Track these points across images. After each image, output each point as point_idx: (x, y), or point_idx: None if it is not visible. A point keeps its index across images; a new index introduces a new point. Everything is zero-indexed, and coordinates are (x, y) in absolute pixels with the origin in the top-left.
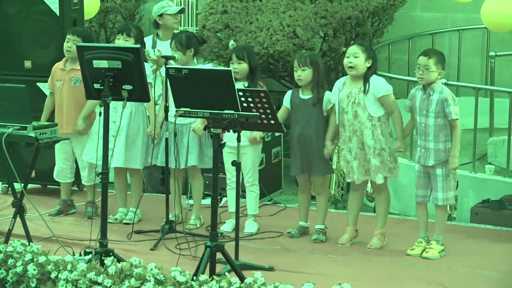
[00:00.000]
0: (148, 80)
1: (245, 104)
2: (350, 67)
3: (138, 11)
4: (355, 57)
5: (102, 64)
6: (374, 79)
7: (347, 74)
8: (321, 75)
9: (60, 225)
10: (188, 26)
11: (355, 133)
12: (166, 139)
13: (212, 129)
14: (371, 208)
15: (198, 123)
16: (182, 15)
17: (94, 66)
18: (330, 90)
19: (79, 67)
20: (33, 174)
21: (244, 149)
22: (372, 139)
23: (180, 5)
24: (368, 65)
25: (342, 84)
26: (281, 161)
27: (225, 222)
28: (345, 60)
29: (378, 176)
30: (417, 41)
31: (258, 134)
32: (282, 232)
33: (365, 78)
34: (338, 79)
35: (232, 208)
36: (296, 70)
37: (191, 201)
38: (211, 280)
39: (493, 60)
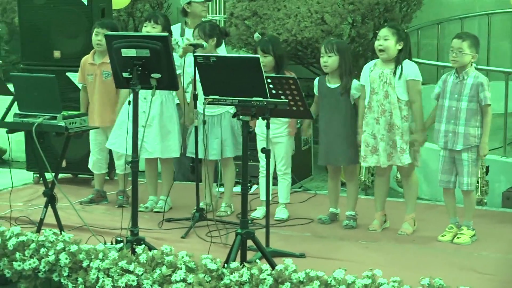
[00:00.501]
0: (177, 72)
1: (273, 91)
2: (381, 50)
3: (166, 0)
4: (385, 40)
5: (131, 52)
6: (406, 63)
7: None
8: (348, 63)
9: (91, 214)
10: (216, 14)
11: (384, 113)
12: (196, 127)
13: (241, 117)
14: (401, 193)
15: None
16: (210, 3)
17: (123, 55)
18: (359, 76)
19: (109, 61)
20: (64, 163)
21: (278, 138)
22: (401, 119)
23: None
24: (400, 47)
25: (373, 65)
26: (310, 148)
27: (255, 209)
28: (376, 43)
29: (403, 157)
30: (446, 26)
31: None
32: (312, 219)
33: (397, 61)
34: (368, 62)
35: (263, 196)
36: (322, 56)
37: (221, 189)
38: (242, 268)
39: None
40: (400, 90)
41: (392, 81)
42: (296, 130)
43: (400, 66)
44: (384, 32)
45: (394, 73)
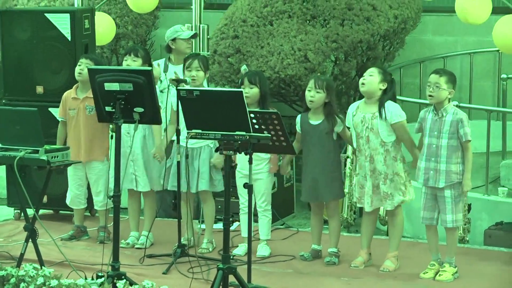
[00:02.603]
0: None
1: (256, 126)
2: (362, 83)
3: (150, 37)
4: (370, 76)
5: (114, 86)
6: (388, 104)
7: (359, 98)
8: (334, 103)
9: (72, 250)
10: (200, 51)
11: (366, 158)
12: (178, 163)
13: (223, 152)
14: (384, 231)
15: (217, 158)
16: (194, 40)
17: (106, 89)
18: (342, 114)
19: (92, 95)
20: (45, 199)
21: (258, 175)
22: (384, 165)
23: (192, 30)
24: (383, 87)
25: (355, 108)
26: (293, 185)
27: (237, 246)
28: (361, 78)
29: (387, 203)
30: (428, 65)
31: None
32: (294, 256)
33: (380, 102)
34: (352, 104)
35: (244, 232)
36: (309, 90)
37: (203, 226)
38: None
39: (505, 82)
40: (385, 133)
41: (374, 126)
42: (277, 167)
43: (383, 108)
44: (370, 69)
45: (380, 115)
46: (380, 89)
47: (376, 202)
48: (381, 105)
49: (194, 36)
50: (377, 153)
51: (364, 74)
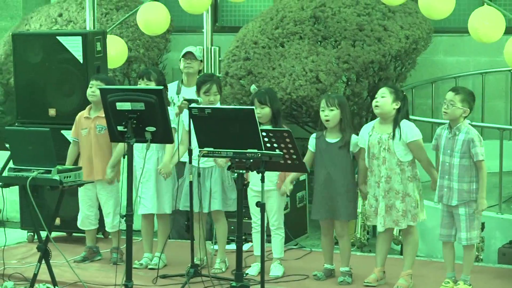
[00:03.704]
0: (172, 125)
1: (268, 145)
2: (376, 106)
3: (162, 60)
4: (382, 97)
5: (125, 106)
6: (404, 124)
7: (371, 119)
8: (348, 117)
9: (85, 271)
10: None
11: (381, 179)
12: (190, 183)
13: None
14: (398, 251)
15: (164, 166)
16: (206, 62)
17: (118, 109)
18: (355, 134)
19: (103, 115)
20: (58, 222)
21: (269, 193)
22: (401, 184)
23: (202, 53)
24: (396, 106)
25: (371, 129)
26: (305, 205)
27: (250, 266)
28: (373, 101)
29: (403, 222)
30: (440, 85)
31: (287, 188)
32: (308, 275)
33: (395, 121)
34: (366, 124)
35: (257, 251)
36: (323, 110)
37: (216, 247)
38: None
39: None
40: (402, 153)
41: (391, 147)
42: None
43: (398, 128)
44: (382, 90)
45: (393, 136)
46: (394, 108)
47: (389, 223)
48: (395, 125)
49: (186, 54)
50: (394, 173)
51: (376, 96)
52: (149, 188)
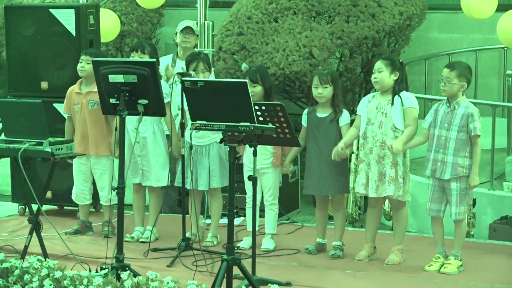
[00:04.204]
0: (166, 100)
1: (261, 118)
2: (375, 82)
3: (155, 34)
4: (379, 72)
5: (118, 78)
6: (404, 94)
7: (364, 95)
8: (340, 93)
9: (76, 244)
10: (204, 48)
11: (376, 143)
12: (183, 156)
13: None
14: (389, 226)
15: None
16: (199, 36)
17: (110, 81)
18: (348, 109)
19: (95, 89)
20: (50, 195)
21: (265, 169)
22: None
23: (197, 27)
24: (395, 77)
25: (372, 96)
26: (298, 181)
27: (242, 240)
28: (372, 76)
29: (390, 187)
30: (434, 62)
31: (288, 169)
32: (299, 249)
33: (394, 92)
34: (365, 96)
35: (250, 226)
36: (316, 87)
37: (208, 221)
38: None
39: (510, 79)
40: (398, 119)
41: (388, 111)
42: (279, 162)
43: (398, 96)
44: (378, 64)
45: (392, 102)
46: (393, 80)
47: (382, 191)
48: (395, 94)
49: (186, 29)
50: (388, 137)
51: (373, 71)
52: (148, 162)
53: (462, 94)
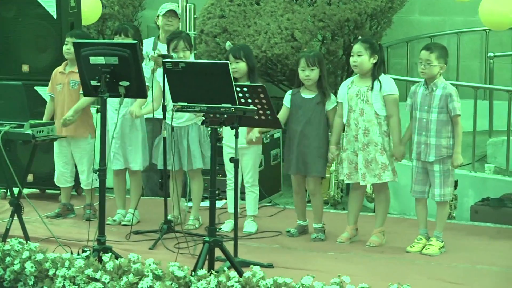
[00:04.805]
0: (147, 84)
1: (242, 100)
2: (354, 65)
3: (136, 17)
4: (359, 56)
5: (99, 60)
6: (383, 78)
7: (346, 77)
8: (326, 74)
9: (58, 227)
10: (186, 31)
11: (359, 131)
12: (164, 138)
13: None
14: (371, 208)
15: (134, 107)
16: (181, 19)
17: (91, 63)
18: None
19: (78, 70)
20: (32, 178)
21: (244, 150)
22: (379, 136)
23: (179, 10)
24: (374, 61)
25: (350, 82)
26: (280, 163)
27: (224, 223)
28: (350, 59)
29: (384, 174)
30: (416, 45)
31: (254, 135)
32: (281, 232)
33: (373, 75)
34: (345, 80)
35: (231, 208)
36: (303, 70)
37: (190, 204)
38: (210, 275)
39: (491, 61)
40: (379, 105)
41: (369, 98)
42: (261, 141)
43: (378, 81)
44: (357, 47)
45: (372, 88)
46: (372, 63)
47: (371, 178)
48: (374, 78)
49: (170, 12)
50: (372, 124)
51: (352, 53)
52: (122, 144)
53: (440, 75)
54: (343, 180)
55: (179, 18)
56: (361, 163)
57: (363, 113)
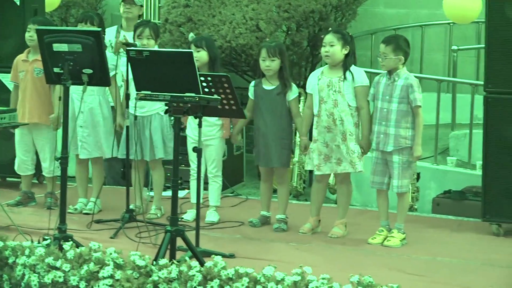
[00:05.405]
0: (112, 73)
1: (206, 90)
2: (326, 55)
3: (101, 6)
4: (331, 46)
5: (62, 47)
6: (354, 69)
7: (311, 69)
8: (288, 65)
9: (19, 215)
10: (151, 19)
11: (335, 122)
12: (127, 127)
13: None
14: (333, 200)
15: (119, 119)
16: (145, 8)
17: (54, 50)
18: (294, 83)
19: None
20: None
21: (209, 141)
22: (353, 126)
23: None
24: (346, 52)
25: (320, 73)
26: (243, 153)
27: (186, 212)
28: (322, 49)
29: (358, 164)
30: (380, 37)
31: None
32: (243, 222)
33: (344, 66)
34: (314, 71)
35: (194, 198)
36: (264, 60)
37: (152, 193)
38: (171, 264)
39: (455, 54)
40: (350, 96)
41: (341, 89)
42: (229, 133)
43: (349, 71)
44: (329, 38)
45: (344, 79)
46: (344, 54)
47: (346, 165)
48: (346, 69)
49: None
50: (346, 114)
51: (324, 43)
52: (90, 132)
53: (402, 66)
54: (305, 171)
55: (141, 5)
56: (345, 153)
57: (337, 103)
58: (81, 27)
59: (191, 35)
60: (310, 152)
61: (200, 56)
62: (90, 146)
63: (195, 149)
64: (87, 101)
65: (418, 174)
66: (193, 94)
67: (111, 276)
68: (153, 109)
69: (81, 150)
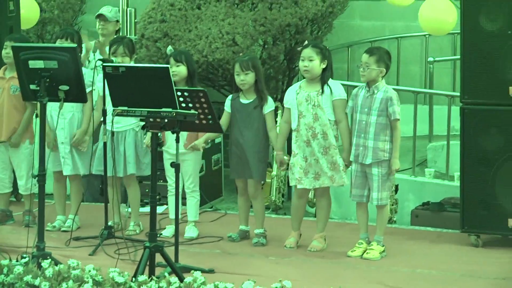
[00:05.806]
0: (88, 90)
1: (183, 105)
2: (305, 70)
3: (76, 22)
4: (310, 60)
5: (38, 64)
6: (332, 82)
7: (287, 83)
8: (263, 78)
9: None
10: (127, 35)
11: (315, 136)
12: (104, 144)
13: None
14: (312, 213)
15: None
16: (121, 23)
17: (30, 67)
18: (271, 97)
19: None
20: None
21: (185, 156)
22: (334, 139)
23: (119, 14)
24: (324, 66)
25: (298, 87)
26: (221, 168)
27: (165, 228)
28: (300, 64)
29: (345, 177)
30: (356, 50)
31: (200, 144)
32: (222, 237)
33: (322, 80)
34: (292, 85)
35: (172, 214)
36: (238, 75)
37: (130, 209)
38: (150, 281)
39: (431, 65)
40: (329, 110)
41: (320, 103)
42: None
43: (327, 85)
44: (308, 52)
45: (322, 92)
46: (322, 68)
47: (321, 179)
48: (324, 83)
49: (98, 16)
50: (328, 128)
51: (302, 57)
52: (67, 149)
53: (382, 79)
54: (284, 184)
55: (116, 21)
56: (326, 167)
57: (318, 117)
58: (60, 43)
59: (169, 49)
60: (291, 167)
61: (179, 70)
62: (73, 162)
63: (172, 165)
64: (67, 117)
65: (397, 186)
66: (170, 109)
67: None
68: (128, 125)
69: (64, 166)
